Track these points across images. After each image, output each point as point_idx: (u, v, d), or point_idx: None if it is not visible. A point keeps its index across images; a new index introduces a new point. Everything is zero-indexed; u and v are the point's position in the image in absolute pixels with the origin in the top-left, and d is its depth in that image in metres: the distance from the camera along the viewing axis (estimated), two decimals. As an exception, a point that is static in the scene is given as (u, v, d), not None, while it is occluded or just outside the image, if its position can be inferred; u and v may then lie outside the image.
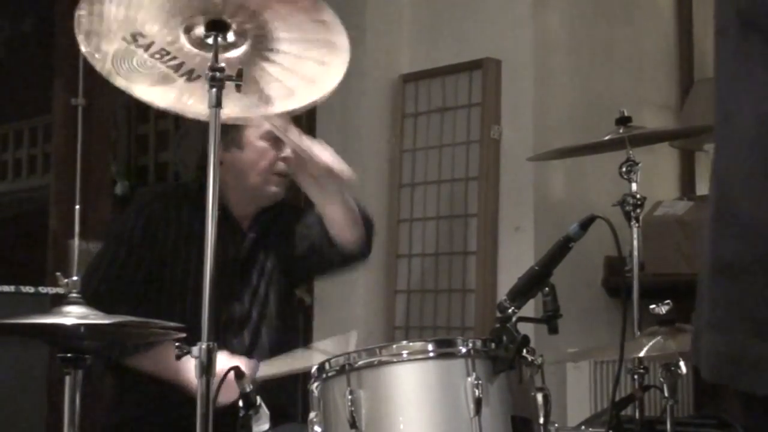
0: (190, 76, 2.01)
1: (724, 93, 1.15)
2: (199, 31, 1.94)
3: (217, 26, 1.93)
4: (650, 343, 2.29)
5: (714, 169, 1.17)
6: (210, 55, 1.94)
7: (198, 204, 2.56)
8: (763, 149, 1.09)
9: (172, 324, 2.03)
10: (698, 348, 1.17)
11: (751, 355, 1.08)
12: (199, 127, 2.60)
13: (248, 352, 2.57)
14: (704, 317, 1.16)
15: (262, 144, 2.62)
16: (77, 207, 2.40)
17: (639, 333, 2.59)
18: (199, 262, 2.52)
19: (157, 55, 1.97)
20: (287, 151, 2.62)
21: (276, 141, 2.62)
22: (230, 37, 1.95)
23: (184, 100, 2.06)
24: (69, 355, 1.87)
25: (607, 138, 2.73)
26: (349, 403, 1.81)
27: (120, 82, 2.00)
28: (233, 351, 2.49)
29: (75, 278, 1.91)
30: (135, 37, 1.93)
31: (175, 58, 1.98)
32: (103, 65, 1.97)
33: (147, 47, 1.95)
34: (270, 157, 2.62)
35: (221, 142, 2.52)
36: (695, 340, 1.19)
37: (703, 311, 1.16)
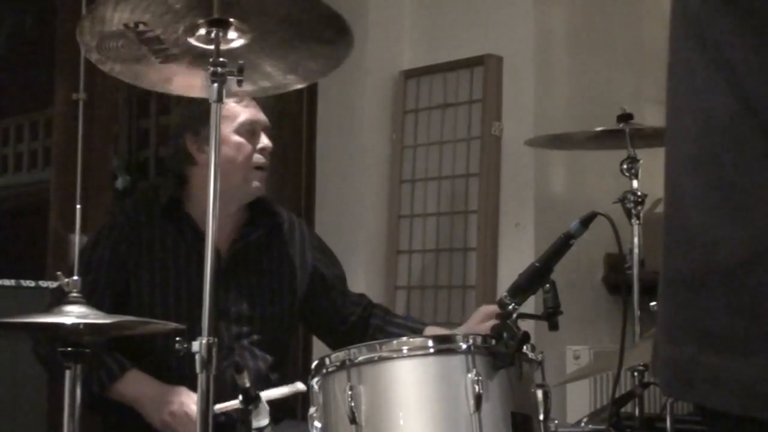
0: (167, 58, 2.00)
1: (671, 95, 1.14)
2: (202, 28, 1.93)
3: (218, 22, 1.92)
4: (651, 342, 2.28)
5: (664, 176, 1.14)
6: (198, 42, 1.94)
7: (170, 219, 2.51)
8: (706, 152, 1.07)
9: (171, 324, 2.03)
10: (655, 360, 1.15)
11: (701, 369, 1.05)
12: (177, 127, 2.58)
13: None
14: (661, 329, 1.13)
15: (238, 138, 2.50)
16: (78, 201, 2.39)
17: (639, 330, 2.59)
18: (177, 278, 2.49)
19: (147, 42, 1.96)
20: (264, 142, 2.54)
21: (251, 133, 2.52)
22: (231, 33, 1.94)
23: (143, 73, 2.08)
24: (69, 349, 1.87)
25: (604, 129, 2.74)
26: (349, 399, 1.81)
27: (93, 57, 1.99)
28: (224, 373, 2.31)
29: (75, 278, 1.90)
30: (137, 24, 1.92)
31: (162, 43, 1.97)
32: (87, 42, 1.95)
33: (142, 34, 1.94)
34: (247, 151, 2.51)
35: (195, 142, 2.52)
36: (654, 352, 1.16)
37: (660, 322, 1.14)
